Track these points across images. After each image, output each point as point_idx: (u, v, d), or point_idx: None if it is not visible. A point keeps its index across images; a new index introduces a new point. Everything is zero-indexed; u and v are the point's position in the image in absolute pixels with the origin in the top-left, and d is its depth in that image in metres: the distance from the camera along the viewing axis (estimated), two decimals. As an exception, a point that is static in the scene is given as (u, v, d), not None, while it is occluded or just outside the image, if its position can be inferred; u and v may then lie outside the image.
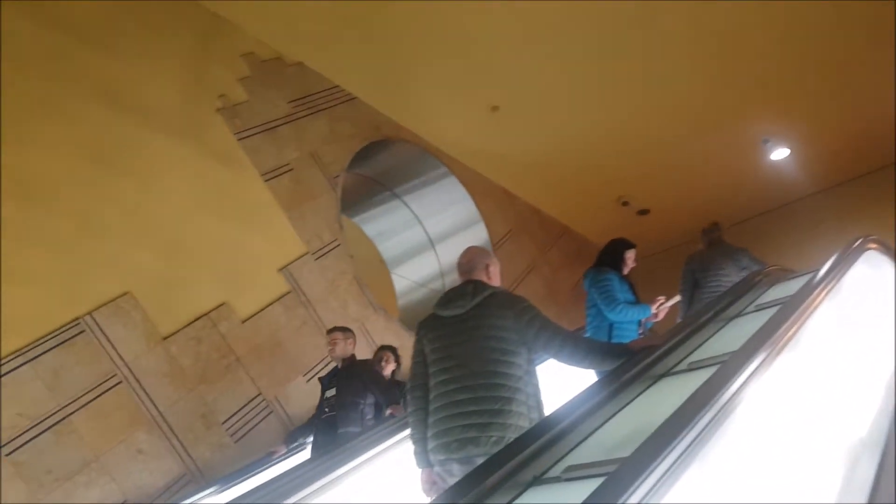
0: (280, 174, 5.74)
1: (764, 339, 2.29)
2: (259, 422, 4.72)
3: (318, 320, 5.44)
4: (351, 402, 3.96)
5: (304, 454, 4.13)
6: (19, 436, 3.66)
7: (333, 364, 4.40)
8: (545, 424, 2.06)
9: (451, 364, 2.65)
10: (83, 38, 4.78)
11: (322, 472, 3.27)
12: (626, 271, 4.28)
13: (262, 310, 5.10)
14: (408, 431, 3.04)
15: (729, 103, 7.22)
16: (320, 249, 5.76)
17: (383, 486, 3.38)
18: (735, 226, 9.16)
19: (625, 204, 8.88)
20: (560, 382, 3.36)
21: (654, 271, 9.83)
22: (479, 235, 7.88)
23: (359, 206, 7.83)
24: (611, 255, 4.30)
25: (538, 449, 1.99)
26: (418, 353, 2.83)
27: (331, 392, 4.07)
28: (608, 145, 7.91)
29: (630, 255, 4.30)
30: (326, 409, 4.02)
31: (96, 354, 4.11)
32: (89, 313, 4.17)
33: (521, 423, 2.52)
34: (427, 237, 8.08)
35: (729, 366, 2.10)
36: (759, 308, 3.19)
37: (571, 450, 2.01)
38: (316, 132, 6.29)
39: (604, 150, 8.01)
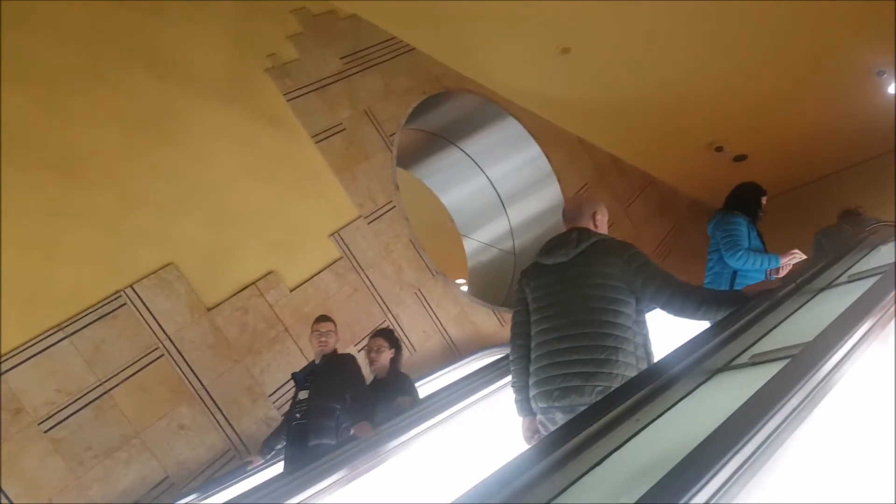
0: (331, 135, 5.43)
1: (850, 326, 1.75)
2: (308, 394, 4.52)
3: (370, 287, 5.17)
4: (325, 407, 3.39)
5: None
6: (58, 412, 3.62)
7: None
8: (538, 451, 1.64)
9: (553, 312, 2.59)
10: (122, 4, 4.59)
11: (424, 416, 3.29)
12: (759, 218, 3.98)
13: (312, 277, 4.87)
14: (507, 379, 3.04)
15: (837, 30, 6.19)
16: (374, 212, 5.45)
17: (480, 434, 3.35)
18: (844, 171, 8.10)
19: (718, 149, 8.01)
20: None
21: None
22: (550, 189, 7.32)
23: (422, 162, 7.46)
24: (744, 200, 3.99)
25: (535, 478, 1.58)
26: (520, 302, 2.78)
27: (304, 394, 3.52)
28: (699, 85, 7.08)
29: (764, 202, 4.01)
30: (298, 415, 3.46)
31: (138, 327, 4.01)
32: (131, 286, 4.06)
33: (629, 373, 2.43)
34: (495, 193, 7.61)
35: (796, 366, 1.61)
36: (854, 278, 2.56)
37: (575, 481, 1.59)
38: (370, 88, 5.91)
39: (694, 91, 7.18)
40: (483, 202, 7.72)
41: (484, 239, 7.79)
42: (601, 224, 2.84)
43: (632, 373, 2.42)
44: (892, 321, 1.91)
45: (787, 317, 2.39)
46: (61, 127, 4.14)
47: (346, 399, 3.43)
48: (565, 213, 2.88)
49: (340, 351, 3.85)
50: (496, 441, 3.14)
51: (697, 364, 2.00)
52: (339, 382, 3.49)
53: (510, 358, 2.80)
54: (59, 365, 3.69)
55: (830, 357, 1.61)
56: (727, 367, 2.03)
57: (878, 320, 1.86)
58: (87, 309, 3.87)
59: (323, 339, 3.69)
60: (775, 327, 2.31)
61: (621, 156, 8.25)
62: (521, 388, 2.69)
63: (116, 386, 3.83)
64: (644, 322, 2.61)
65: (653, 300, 2.52)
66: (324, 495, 2.88)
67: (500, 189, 7.61)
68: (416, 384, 4.95)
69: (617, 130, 7.88)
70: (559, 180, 7.31)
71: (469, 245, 7.80)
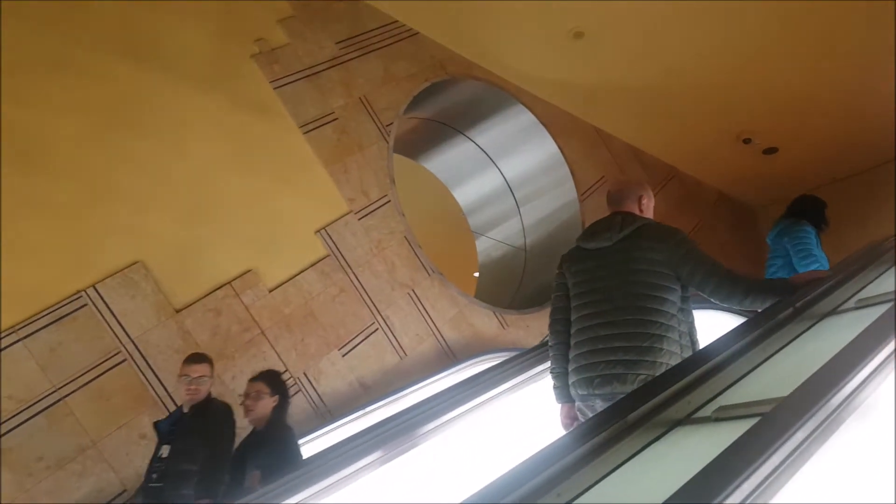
0: (322, 124, 5.15)
1: (840, 376, 1.41)
2: (284, 401, 4.28)
3: (358, 287, 4.89)
4: (185, 471, 2.89)
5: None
6: (7, 420, 3.43)
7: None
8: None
9: (595, 298, 2.56)
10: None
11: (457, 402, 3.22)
12: (823, 231, 3.98)
13: (294, 277, 4.62)
14: (544, 366, 3.04)
15: (880, 15, 5.65)
16: (366, 207, 5.16)
17: (517, 423, 3.29)
18: (883, 166, 7.55)
19: (746, 141, 7.52)
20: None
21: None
22: (564, 183, 6.93)
23: (430, 152, 7.16)
24: (811, 210, 4.00)
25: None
26: (560, 287, 2.78)
27: (165, 450, 2.99)
28: (725, 72, 6.62)
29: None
30: (154, 476, 2.95)
31: (98, 330, 3.80)
32: (93, 285, 3.85)
33: (672, 361, 2.38)
34: (507, 187, 7.27)
35: (760, 430, 1.28)
36: (863, 304, 2.17)
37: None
38: (368, 75, 5.60)
39: (719, 79, 6.71)
40: (494, 197, 7.40)
41: (494, 234, 7.47)
42: (647, 208, 2.79)
43: (675, 361, 2.37)
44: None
45: (780, 349, 2.03)
46: (24, 114, 3.92)
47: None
48: (610, 196, 2.84)
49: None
50: (532, 428, 3.09)
51: (649, 417, 1.66)
52: (199, 439, 2.99)
53: (549, 343, 2.78)
54: (11, 370, 3.50)
55: (808, 419, 1.29)
56: (688, 419, 1.69)
57: (882, 364, 1.50)
58: (45, 310, 3.67)
59: (192, 386, 3.13)
60: (764, 361, 1.95)
61: (642, 147, 7.81)
62: (560, 375, 2.68)
63: (72, 392, 3.64)
64: (689, 310, 2.56)
65: (699, 288, 2.47)
66: (357, 477, 2.81)
67: (512, 183, 7.26)
68: (408, 390, 4.69)
69: (637, 120, 7.44)
70: (573, 173, 6.93)
71: (480, 240, 7.49)
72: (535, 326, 5.89)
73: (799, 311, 2.18)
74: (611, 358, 2.43)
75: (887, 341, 1.52)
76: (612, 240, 2.59)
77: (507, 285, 7.06)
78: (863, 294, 2.26)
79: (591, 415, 2.47)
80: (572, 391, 2.60)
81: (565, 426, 2.69)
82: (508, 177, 7.26)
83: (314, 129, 5.10)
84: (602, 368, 2.44)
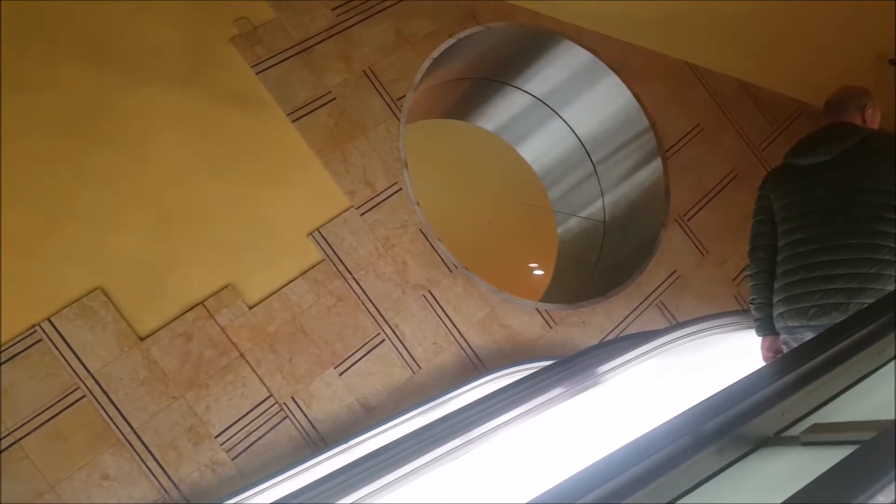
0: (315, 108, 4.88)
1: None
2: (267, 431, 4.19)
3: (360, 293, 4.63)
4: None
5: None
6: (-44, 469, 3.61)
7: None
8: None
9: (809, 221, 2.54)
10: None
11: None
12: None
13: (280, 289, 4.45)
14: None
15: None
16: (370, 199, 4.84)
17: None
18: None
19: (893, 62, 6.21)
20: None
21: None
22: (642, 139, 6.13)
23: (476, 108, 6.69)
24: None
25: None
26: (763, 210, 2.77)
27: None
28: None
29: None
30: None
31: (54, 366, 3.88)
32: (48, 318, 3.92)
33: None
34: (582, 148, 6.60)
35: None
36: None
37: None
38: (373, 41, 5.22)
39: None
40: (566, 159, 6.78)
41: (569, 203, 6.87)
42: (871, 119, 2.71)
43: None
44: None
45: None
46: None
47: None
48: (828, 106, 2.77)
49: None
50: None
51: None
52: None
53: (749, 272, 2.80)
54: (-38, 416, 3.67)
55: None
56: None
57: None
58: (-5, 350, 3.79)
59: None
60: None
61: (755, 81, 6.70)
62: (763, 306, 2.70)
63: (28, 434, 3.76)
64: None
65: None
66: (544, 409, 2.88)
67: (584, 139, 6.59)
68: (420, 409, 4.39)
69: (745, 47, 6.37)
70: (654, 124, 6.10)
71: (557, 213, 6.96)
72: (595, 322, 5.30)
73: (846, 355, 1.59)
74: (829, 287, 2.38)
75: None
76: (832, 154, 2.50)
77: (584, 264, 6.48)
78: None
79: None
80: (779, 323, 2.58)
81: (767, 360, 2.68)
82: (580, 134, 6.59)
83: (305, 115, 4.84)
84: (819, 298, 2.40)
